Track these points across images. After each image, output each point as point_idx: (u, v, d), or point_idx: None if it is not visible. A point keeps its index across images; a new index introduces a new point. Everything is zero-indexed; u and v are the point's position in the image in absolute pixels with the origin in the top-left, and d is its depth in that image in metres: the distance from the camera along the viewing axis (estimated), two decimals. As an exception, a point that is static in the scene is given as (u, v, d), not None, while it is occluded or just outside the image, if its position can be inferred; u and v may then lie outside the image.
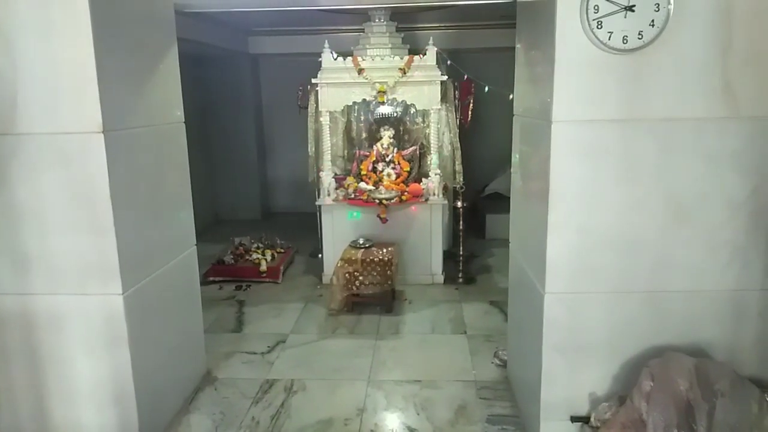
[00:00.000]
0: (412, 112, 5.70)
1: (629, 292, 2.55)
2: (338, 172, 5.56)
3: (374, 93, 5.06)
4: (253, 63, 7.99)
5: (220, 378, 3.65)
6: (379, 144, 5.46)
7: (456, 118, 5.54)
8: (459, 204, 5.37)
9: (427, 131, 5.45)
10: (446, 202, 5.44)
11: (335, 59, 5.13)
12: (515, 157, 3.25)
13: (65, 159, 2.50)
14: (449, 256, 5.64)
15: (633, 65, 2.34)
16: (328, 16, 5.98)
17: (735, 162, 2.41)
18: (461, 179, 5.46)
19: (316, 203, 5.40)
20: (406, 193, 5.16)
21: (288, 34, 7.21)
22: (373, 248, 4.88)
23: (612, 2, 2.28)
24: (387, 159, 5.40)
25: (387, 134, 5.44)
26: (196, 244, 3.46)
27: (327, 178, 5.26)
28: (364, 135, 5.90)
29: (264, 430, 3.11)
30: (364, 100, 5.27)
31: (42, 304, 2.66)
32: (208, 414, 3.25)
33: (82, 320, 2.67)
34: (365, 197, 5.13)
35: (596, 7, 2.28)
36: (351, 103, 5.31)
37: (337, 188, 5.30)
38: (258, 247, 5.93)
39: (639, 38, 2.29)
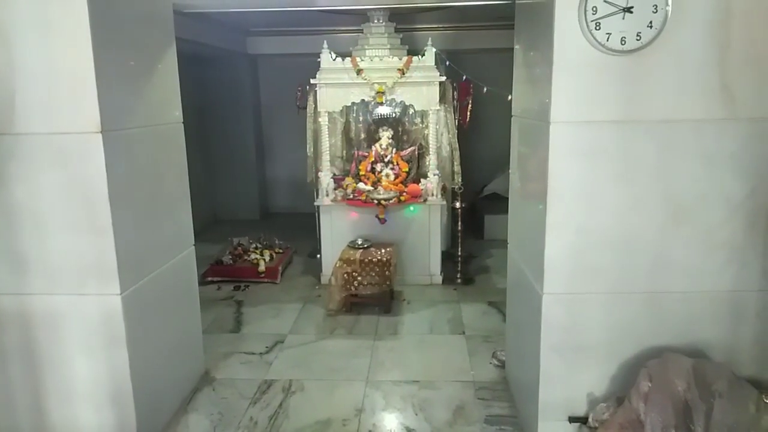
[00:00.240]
0: (410, 112, 5.70)
1: (627, 292, 2.56)
2: (337, 173, 5.56)
3: (373, 93, 5.07)
4: (252, 63, 7.99)
5: (218, 378, 3.65)
6: (377, 144, 5.46)
7: (455, 118, 5.54)
8: (457, 204, 5.38)
9: (425, 132, 5.45)
10: (445, 202, 5.45)
11: (334, 60, 5.13)
12: (514, 158, 3.26)
13: (63, 159, 2.50)
14: (448, 257, 5.65)
15: (631, 66, 2.34)
16: (326, 17, 5.98)
17: (733, 163, 2.42)
18: (460, 180, 5.47)
19: (315, 203, 5.40)
20: (404, 194, 5.16)
21: (287, 35, 7.20)
22: (372, 249, 4.88)
23: (610, 3, 2.28)
24: (386, 159, 5.41)
25: (386, 135, 5.45)
26: (194, 245, 3.46)
27: (326, 179, 5.26)
28: (362, 135, 5.90)
29: (262, 430, 3.11)
30: (363, 100, 5.28)
31: (40, 304, 2.66)
32: (206, 414, 3.25)
33: (79, 320, 2.67)
34: (364, 198, 5.13)
35: (594, 9, 2.29)
36: (350, 104, 5.31)
37: (335, 189, 5.30)
38: (256, 248, 5.93)
39: (637, 39, 2.30)
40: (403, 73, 5.03)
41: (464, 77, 5.59)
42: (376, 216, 5.14)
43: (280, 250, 6.04)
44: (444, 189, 5.42)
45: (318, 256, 5.57)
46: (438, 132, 5.32)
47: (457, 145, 5.51)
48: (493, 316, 4.61)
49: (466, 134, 6.14)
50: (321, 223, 5.37)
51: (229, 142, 8.00)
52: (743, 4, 2.30)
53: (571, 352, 2.61)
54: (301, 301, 5.03)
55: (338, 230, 5.28)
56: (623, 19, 2.29)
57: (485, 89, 5.35)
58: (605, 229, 2.49)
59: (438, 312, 4.74)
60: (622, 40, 2.30)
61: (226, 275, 5.52)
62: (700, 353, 2.56)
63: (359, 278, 4.65)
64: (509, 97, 3.29)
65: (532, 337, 2.73)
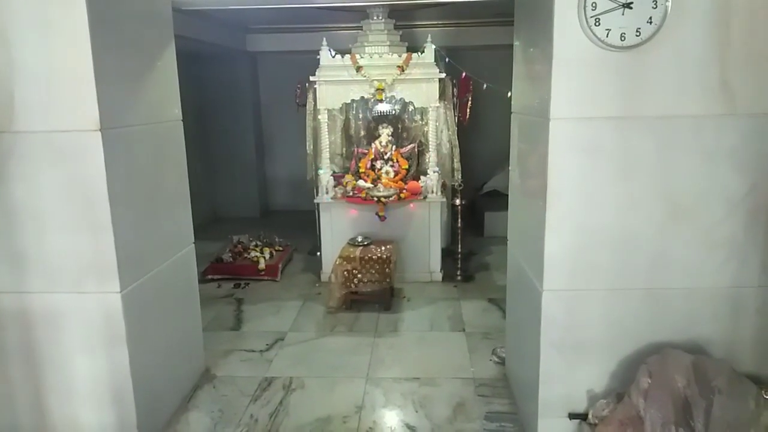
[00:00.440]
0: (410, 109, 5.70)
1: (627, 289, 2.56)
2: (337, 170, 5.56)
3: (372, 91, 5.06)
4: (251, 61, 7.98)
5: (218, 376, 3.65)
6: (377, 142, 5.46)
7: (454, 115, 5.54)
8: (457, 201, 5.37)
9: (425, 129, 5.44)
10: (445, 199, 5.45)
11: (333, 57, 5.12)
12: (513, 155, 3.25)
13: (63, 157, 2.50)
14: (448, 254, 5.65)
15: (631, 62, 2.34)
16: (326, 14, 5.98)
17: (733, 159, 2.41)
18: (460, 177, 5.46)
19: (315, 201, 5.40)
20: (404, 191, 5.16)
21: (286, 32, 7.19)
22: (372, 246, 4.88)
23: (610, -1, 2.28)
24: (385, 157, 5.40)
25: (385, 132, 5.44)
26: (194, 242, 3.46)
27: (325, 176, 5.26)
28: (362, 133, 5.90)
29: (263, 427, 3.11)
30: (363, 97, 5.27)
31: (39, 303, 2.66)
32: (206, 412, 3.25)
33: (80, 318, 2.67)
34: (364, 195, 5.13)
35: (594, 5, 2.28)
36: (349, 101, 5.31)
37: (335, 186, 5.30)
38: (256, 245, 5.93)
39: (637, 35, 2.29)
40: (403, 70, 5.02)
41: (464, 74, 5.58)
42: (376, 213, 5.14)
43: (280, 248, 6.04)
44: (444, 186, 5.42)
45: (318, 253, 5.57)
46: (438, 129, 5.32)
47: (457, 142, 5.51)
48: (493, 313, 4.61)
49: (466, 131, 6.14)
50: (321, 220, 5.37)
51: (228, 140, 8.00)
52: (743, 0, 2.29)
53: (571, 349, 2.61)
54: (301, 298, 5.03)
55: (338, 228, 5.28)
56: (623, 14, 2.28)
57: (485, 86, 5.35)
58: (605, 225, 2.49)
59: (438, 309, 4.74)
60: (622, 36, 2.29)
61: (226, 273, 5.52)
62: (700, 349, 2.56)
63: (359, 275, 4.65)
64: (509, 94, 3.29)
65: (532, 334, 2.73)
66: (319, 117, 5.22)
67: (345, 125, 5.84)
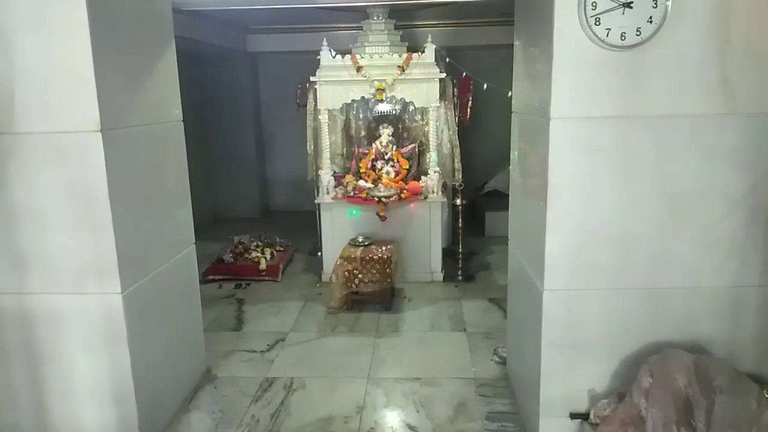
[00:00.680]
0: (410, 109, 5.70)
1: (628, 288, 2.56)
2: (337, 170, 5.56)
3: (373, 91, 5.06)
4: (252, 61, 7.98)
5: (219, 376, 3.65)
6: (378, 142, 5.46)
7: (455, 115, 5.54)
8: (458, 201, 5.37)
9: (426, 129, 5.44)
10: (445, 199, 5.45)
11: (334, 57, 5.12)
12: (514, 155, 3.25)
13: (63, 158, 2.50)
14: (448, 254, 5.65)
15: (631, 62, 2.34)
16: (326, 14, 5.98)
17: (733, 158, 2.41)
18: (460, 177, 5.46)
19: (316, 201, 5.40)
20: (405, 191, 5.16)
21: (286, 32, 7.19)
22: (373, 246, 4.88)
23: (610, -1, 2.28)
24: (386, 157, 5.40)
25: (386, 132, 5.44)
26: (195, 243, 3.46)
27: (326, 176, 5.26)
28: (363, 133, 5.90)
29: (264, 428, 3.11)
30: (363, 97, 5.26)
31: (40, 304, 2.66)
32: (208, 412, 3.25)
33: (81, 319, 2.67)
34: (364, 195, 5.13)
35: (594, 4, 2.28)
36: (350, 101, 5.30)
37: (336, 186, 5.30)
38: (257, 246, 5.93)
39: (637, 35, 2.29)
40: (403, 70, 5.02)
41: (464, 74, 5.58)
42: (377, 213, 5.14)
43: (281, 248, 6.04)
44: (444, 186, 5.42)
45: (319, 253, 5.57)
46: (438, 129, 5.32)
47: (458, 142, 5.51)
48: (494, 313, 4.61)
49: (467, 131, 6.13)
50: (322, 220, 5.37)
51: (229, 141, 8.00)
52: (743, -1, 2.29)
53: (572, 349, 2.61)
54: (302, 298, 5.03)
55: (339, 228, 5.28)
56: (623, 14, 2.28)
57: (485, 86, 5.34)
58: (606, 225, 2.49)
59: (439, 309, 4.74)
60: (622, 36, 2.29)
61: (227, 273, 5.52)
62: (701, 349, 2.56)
63: (360, 276, 4.65)
64: (509, 94, 3.29)
65: (533, 334, 2.73)
66: (320, 117, 5.22)
67: (345, 125, 5.84)
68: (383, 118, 5.73)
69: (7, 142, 2.50)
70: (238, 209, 8.15)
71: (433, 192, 5.22)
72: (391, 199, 5.06)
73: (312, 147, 5.54)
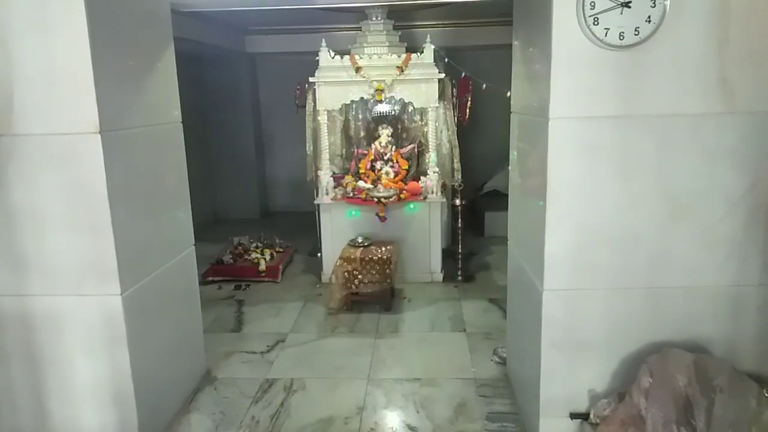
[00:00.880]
0: (410, 110, 5.70)
1: (628, 288, 2.56)
2: (336, 171, 5.56)
3: (372, 91, 5.06)
4: (251, 62, 7.98)
5: (219, 378, 3.65)
6: (377, 142, 5.46)
7: (454, 115, 5.54)
8: (458, 202, 5.36)
9: (425, 129, 5.44)
10: (445, 200, 5.45)
11: (333, 58, 5.12)
12: (513, 155, 3.25)
13: (62, 160, 2.50)
14: (448, 254, 5.64)
15: (630, 61, 2.34)
16: (325, 15, 5.97)
17: (733, 158, 2.41)
18: (460, 177, 5.46)
19: (315, 202, 5.40)
20: (404, 192, 5.16)
21: (285, 33, 7.20)
22: (372, 247, 4.88)
23: (608, -2, 2.28)
24: (385, 157, 5.40)
25: (385, 132, 5.44)
26: (194, 244, 3.46)
27: (325, 177, 5.26)
28: (362, 133, 5.90)
29: (264, 429, 3.11)
30: (362, 98, 5.26)
31: (40, 305, 2.66)
32: (207, 414, 3.25)
33: (80, 321, 2.67)
34: (364, 196, 5.13)
35: (592, 4, 2.28)
36: (349, 102, 5.29)
37: (335, 187, 5.30)
38: (257, 247, 5.93)
39: (635, 34, 2.29)
40: (402, 71, 5.02)
41: (463, 74, 5.59)
42: (376, 214, 5.14)
43: (281, 249, 6.04)
44: (444, 186, 5.42)
45: (318, 254, 5.57)
46: (437, 129, 5.32)
47: (457, 143, 5.51)
48: (494, 313, 4.61)
49: (466, 131, 6.14)
50: (321, 221, 5.37)
51: (228, 142, 8.00)
52: (742, -2, 2.29)
53: (572, 349, 2.61)
54: (301, 299, 5.03)
55: (338, 229, 5.28)
56: (621, 14, 2.28)
57: (484, 86, 5.34)
58: (605, 224, 2.49)
59: (439, 309, 4.74)
60: (621, 35, 2.29)
61: (226, 275, 5.52)
62: (701, 348, 2.56)
63: (360, 276, 4.65)
64: (508, 94, 3.29)
65: (532, 334, 2.73)
66: (319, 118, 5.22)
67: (345, 126, 5.84)
68: (382, 119, 5.73)
69: (6, 144, 2.50)
70: (238, 210, 8.15)
71: (432, 192, 5.22)
72: (390, 199, 5.06)
73: (311, 148, 5.54)
